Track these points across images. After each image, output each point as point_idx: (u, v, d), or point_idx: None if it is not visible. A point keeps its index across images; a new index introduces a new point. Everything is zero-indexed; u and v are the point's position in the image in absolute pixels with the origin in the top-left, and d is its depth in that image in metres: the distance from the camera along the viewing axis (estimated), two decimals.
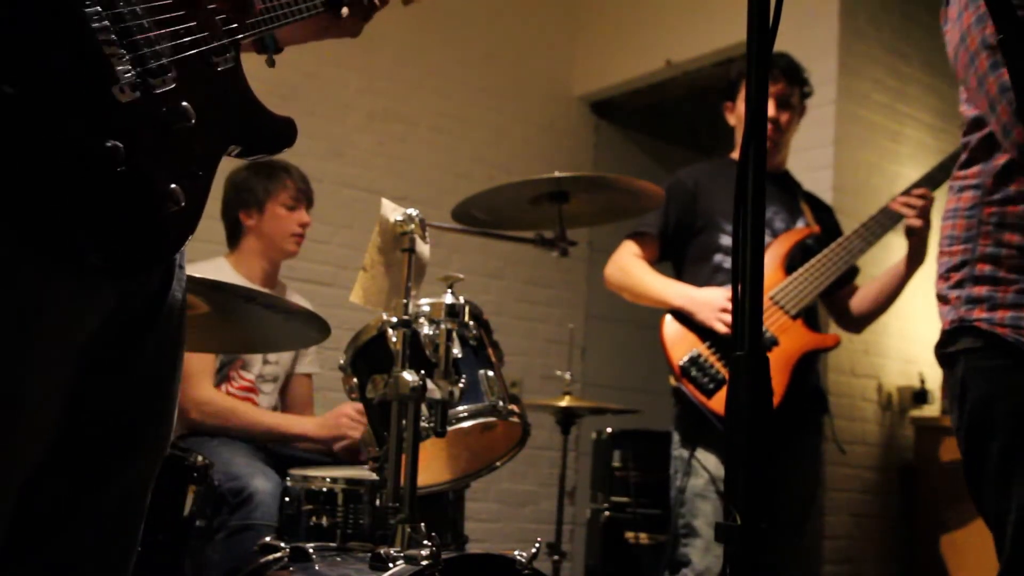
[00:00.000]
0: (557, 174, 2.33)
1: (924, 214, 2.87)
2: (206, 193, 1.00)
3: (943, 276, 1.87)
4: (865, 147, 4.20)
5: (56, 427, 0.93)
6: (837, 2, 4.14)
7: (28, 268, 0.86)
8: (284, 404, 3.05)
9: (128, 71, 0.89)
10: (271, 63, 1.30)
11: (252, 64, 1.29)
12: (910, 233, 2.89)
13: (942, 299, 1.87)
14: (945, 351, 1.85)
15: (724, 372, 2.73)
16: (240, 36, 1.06)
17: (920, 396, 4.26)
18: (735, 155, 3.10)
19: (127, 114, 0.89)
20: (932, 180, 2.93)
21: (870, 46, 4.26)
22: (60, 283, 0.88)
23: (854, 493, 4.07)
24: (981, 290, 1.78)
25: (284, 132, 1.13)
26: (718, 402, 2.71)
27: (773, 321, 2.78)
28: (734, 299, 1.03)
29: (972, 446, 1.79)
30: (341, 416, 2.74)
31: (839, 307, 3.12)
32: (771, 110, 2.93)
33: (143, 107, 0.90)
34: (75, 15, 0.86)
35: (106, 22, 0.88)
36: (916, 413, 4.27)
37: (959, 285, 1.82)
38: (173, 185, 0.93)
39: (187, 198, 0.94)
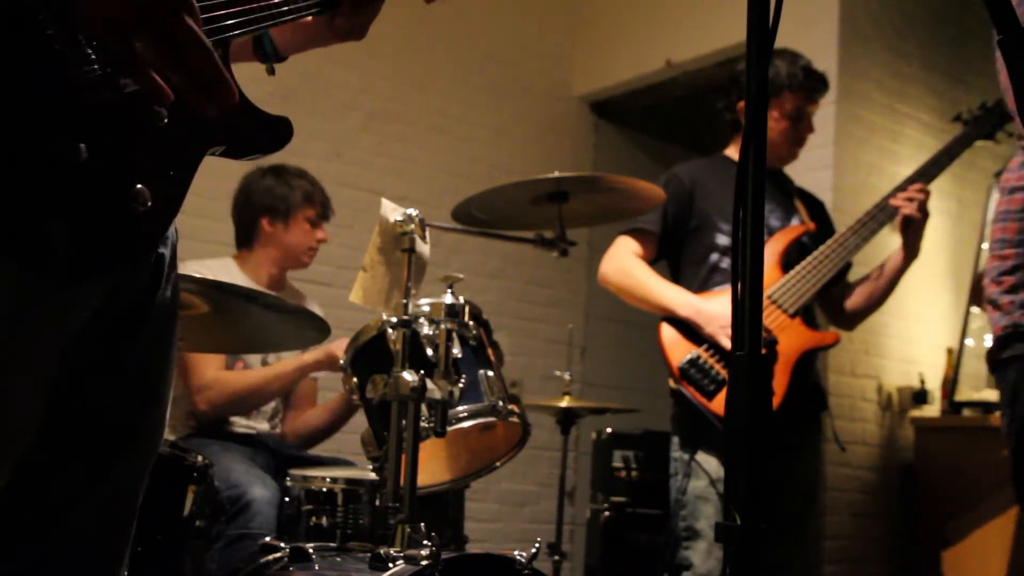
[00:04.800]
0: (557, 174, 2.33)
1: (923, 208, 2.87)
2: (182, 193, 0.97)
3: (995, 280, 1.80)
4: (865, 147, 4.20)
5: (37, 426, 0.93)
6: (837, 2, 4.14)
7: (2, 269, 0.85)
8: (288, 405, 3.04)
9: (93, 69, 0.87)
10: (271, 71, 1.27)
11: (252, 64, 1.29)
12: (907, 226, 2.87)
13: (993, 304, 1.80)
14: (997, 357, 1.79)
15: (724, 373, 2.72)
16: (225, 35, 1.02)
17: (920, 396, 4.26)
18: (729, 152, 3.08)
19: (92, 113, 0.87)
20: (925, 175, 2.93)
21: (870, 46, 4.26)
22: (37, 284, 0.87)
23: (854, 493, 4.07)
24: None
25: (276, 133, 1.09)
26: (719, 404, 2.69)
27: (772, 320, 2.75)
28: (733, 299, 1.03)
29: (1023, 451, 1.76)
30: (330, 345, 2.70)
31: (833, 304, 3.08)
32: (810, 127, 3.00)
33: (110, 106, 0.89)
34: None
35: None
36: (916, 413, 4.26)
37: (1012, 290, 1.76)
38: (139, 185, 0.91)
39: (156, 198, 0.92)
